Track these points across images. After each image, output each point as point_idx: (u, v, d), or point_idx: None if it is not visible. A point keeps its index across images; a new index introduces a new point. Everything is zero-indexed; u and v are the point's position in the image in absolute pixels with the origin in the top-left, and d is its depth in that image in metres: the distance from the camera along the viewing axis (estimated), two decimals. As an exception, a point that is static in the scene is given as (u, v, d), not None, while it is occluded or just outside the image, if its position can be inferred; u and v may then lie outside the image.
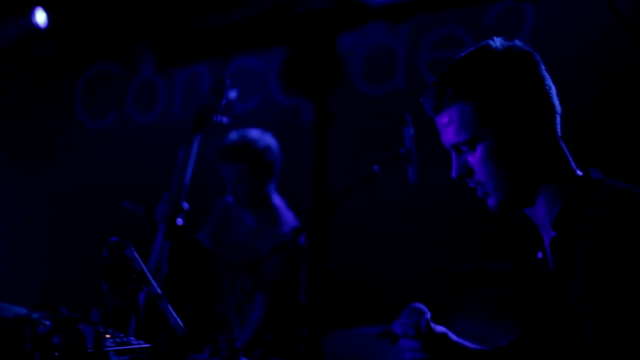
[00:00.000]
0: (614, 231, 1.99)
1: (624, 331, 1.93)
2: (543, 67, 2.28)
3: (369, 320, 3.86)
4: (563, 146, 2.28)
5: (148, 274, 2.98)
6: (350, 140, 5.34)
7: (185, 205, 4.06)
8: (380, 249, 5.26)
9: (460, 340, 2.41)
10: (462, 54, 2.31)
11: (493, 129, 2.18)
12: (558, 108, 2.28)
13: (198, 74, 6.15)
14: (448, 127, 2.25)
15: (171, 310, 2.88)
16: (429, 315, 2.35)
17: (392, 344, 3.49)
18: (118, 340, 2.56)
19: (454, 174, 2.30)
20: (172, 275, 4.00)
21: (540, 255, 2.31)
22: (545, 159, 2.22)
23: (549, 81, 2.27)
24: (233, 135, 4.62)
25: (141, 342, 2.59)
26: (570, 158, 2.28)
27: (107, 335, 2.57)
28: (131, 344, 2.55)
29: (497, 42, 2.28)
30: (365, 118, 5.52)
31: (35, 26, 6.03)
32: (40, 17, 5.98)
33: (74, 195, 6.70)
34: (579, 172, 2.26)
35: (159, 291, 2.92)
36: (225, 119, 4.23)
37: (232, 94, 4.28)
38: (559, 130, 2.28)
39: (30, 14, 5.99)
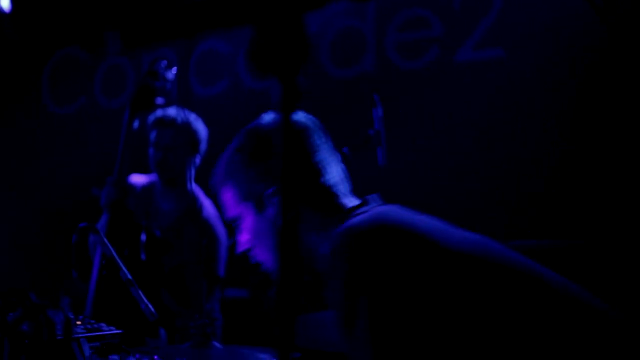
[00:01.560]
0: (341, 279, 2.00)
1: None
2: (316, 135, 2.34)
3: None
4: (334, 190, 2.30)
5: (118, 260, 2.96)
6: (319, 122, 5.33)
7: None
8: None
9: None
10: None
11: (253, 205, 2.31)
12: (331, 174, 2.31)
13: (165, 58, 6.11)
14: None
15: (142, 295, 2.87)
16: None
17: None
18: (89, 326, 2.55)
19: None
20: (133, 259, 3.98)
21: None
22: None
23: (318, 148, 2.32)
24: (172, 108, 4.57)
25: (112, 328, 2.57)
26: (339, 198, 2.31)
27: (78, 322, 2.55)
28: (102, 330, 2.54)
29: (263, 121, 2.40)
30: (334, 100, 5.51)
31: (-1, 11, 5.98)
32: (4, 1, 5.92)
33: (42, 180, 6.66)
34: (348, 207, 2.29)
35: (129, 276, 2.91)
36: (161, 100, 4.22)
37: (169, 75, 4.26)
38: (336, 188, 2.31)
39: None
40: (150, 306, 2.85)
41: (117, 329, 2.56)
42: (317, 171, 2.28)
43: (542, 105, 4.84)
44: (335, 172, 2.32)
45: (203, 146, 4.60)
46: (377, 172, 4.03)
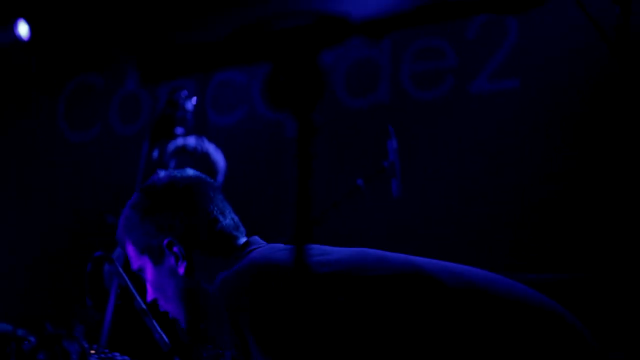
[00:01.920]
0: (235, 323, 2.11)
1: None
2: (208, 187, 2.47)
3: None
4: (234, 234, 2.42)
5: (132, 289, 2.97)
6: (333, 153, 5.34)
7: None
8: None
9: None
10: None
11: (149, 261, 2.41)
12: (227, 219, 2.42)
13: (184, 88, 6.14)
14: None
15: (156, 325, 2.87)
16: None
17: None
18: (103, 356, 2.55)
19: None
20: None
21: None
22: (210, 263, 2.38)
23: (211, 199, 2.44)
24: (192, 138, 4.58)
25: (126, 357, 2.58)
26: (237, 239, 2.42)
27: (92, 351, 2.56)
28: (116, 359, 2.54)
29: (156, 178, 2.51)
30: (349, 131, 5.53)
31: (17, 38, 6.01)
32: (23, 29, 5.96)
33: (57, 207, 6.68)
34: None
35: (144, 306, 2.91)
36: (181, 130, 4.23)
37: (189, 105, 4.27)
38: (234, 232, 2.42)
39: (12, 26, 5.97)
40: (164, 336, 2.85)
41: (130, 359, 2.57)
42: (214, 219, 2.39)
43: (556, 136, 4.85)
44: (230, 218, 2.43)
45: (220, 177, 4.60)
46: (392, 201, 4.03)
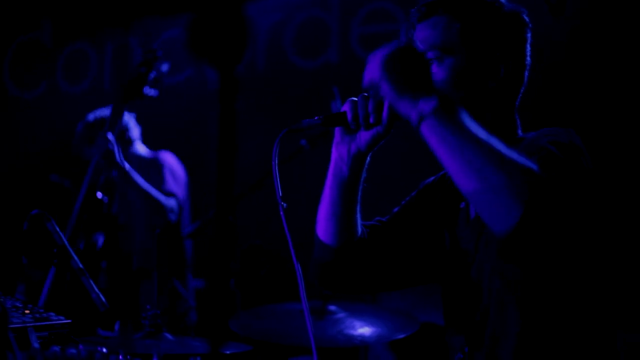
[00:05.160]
0: (552, 138, 2.11)
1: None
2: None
3: (296, 296, 3.85)
4: (516, 113, 2.37)
5: (69, 248, 2.92)
6: (279, 113, 5.31)
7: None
8: (308, 224, 5.23)
9: None
10: None
11: (466, 54, 2.27)
12: (525, 82, 2.38)
13: (128, 46, 6.05)
14: (429, 31, 2.32)
15: (93, 285, 2.83)
16: None
17: (317, 319, 3.50)
18: (37, 315, 2.50)
19: None
20: (88, 250, 3.94)
21: (463, 205, 2.37)
22: (496, 110, 2.31)
23: (529, 56, 2.39)
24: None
25: (61, 317, 2.53)
26: (518, 124, 2.37)
27: (27, 311, 2.51)
28: (51, 320, 2.49)
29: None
30: (296, 91, 5.49)
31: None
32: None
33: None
34: (520, 134, 2.35)
35: (81, 265, 2.87)
36: (154, 92, 4.15)
37: (164, 67, 4.20)
38: (517, 99, 2.37)
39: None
40: (101, 296, 2.81)
41: (66, 319, 2.52)
42: (522, 72, 2.37)
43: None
44: None
45: (135, 145, 4.58)
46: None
